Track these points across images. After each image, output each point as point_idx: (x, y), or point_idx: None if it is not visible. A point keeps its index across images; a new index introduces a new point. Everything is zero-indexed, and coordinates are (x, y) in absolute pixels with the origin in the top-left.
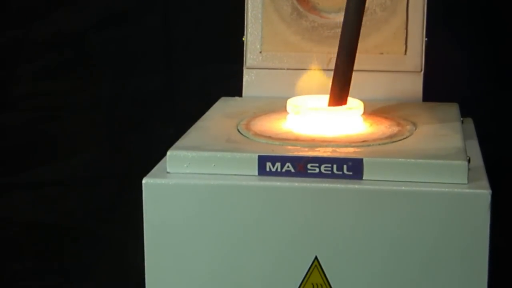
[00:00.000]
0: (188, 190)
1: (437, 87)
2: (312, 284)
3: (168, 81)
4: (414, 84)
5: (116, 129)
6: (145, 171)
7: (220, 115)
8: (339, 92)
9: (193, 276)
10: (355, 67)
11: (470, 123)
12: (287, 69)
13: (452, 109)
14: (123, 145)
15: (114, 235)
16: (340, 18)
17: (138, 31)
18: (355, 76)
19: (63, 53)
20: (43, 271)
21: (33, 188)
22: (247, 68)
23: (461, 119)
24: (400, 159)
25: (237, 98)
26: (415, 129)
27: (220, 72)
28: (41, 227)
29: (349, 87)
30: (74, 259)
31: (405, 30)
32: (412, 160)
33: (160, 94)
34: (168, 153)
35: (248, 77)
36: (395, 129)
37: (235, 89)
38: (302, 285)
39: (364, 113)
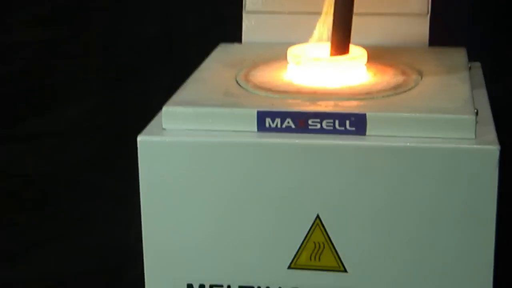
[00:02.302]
0: (184, 148)
1: (444, 30)
2: (314, 242)
3: (165, 27)
4: (420, 28)
5: (112, 78)
6: (143, 119)
7: (218, 65)
8: (341, 41)
9: (191, 235)
10: (357, 10)
11: (478, 68)
12: (289, 13)
13: (460, 55)
14: (119, 94)
15: (113, 186)
16: None
17: None
18: (357, 20)
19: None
20: (41, 223)
21: (29, 139)
22: (247, 13)
23: (469, 65)
24: (404, 114)
25: (236, 44)
26: (421, 78)
27: (219, 16)
28: (38, 178)
29: (350, 34)
30: (72, 211)
31: None
32: (417, 115)
33: (157, 40)
34: (164, 108)
35: (248, 22)
36: (400, 78)
37: (235, 34)
38: (304, 244)
39: (368, 60)
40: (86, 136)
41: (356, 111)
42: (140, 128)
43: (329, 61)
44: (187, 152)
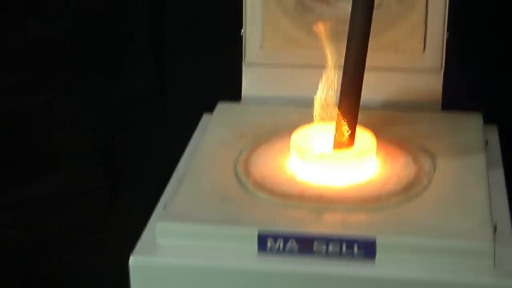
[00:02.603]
0: (179, 269)
1: (458, 87)
2: None
3: (159, 81)
4: (433, 85)
5: (102, 139)
6: (136, 180)
7: (216, 146)
8: (346, 134)
9: None
10: (368, 64)
11: (494, 134)
12: (292, 66)
13: (475, 129)
14: (111, 155)
15: (107, 247)
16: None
17: (120, 29)
18: (367, 75)
19: (38, 63)
20: None
21: (18, 207)
22: (247, 65)
23: (486, 137)
24: (416, 239)
25: (236, 105)
26: (434, 169)
27: (218, 67)
28: (27, 245)
29: (356, 124)
30: (64, 275)
31: (423, 26)
32: (430, 241)
33: (150, 96)
34: (157, 224)
35: (248, 75)
36: (411, 171)
37: (235, 87)
38: None
39: (376, 137)
40: (77, 200)
41: (364, 233)
42: (134, 186)
43: (335, 158)
44: (182, 274)
